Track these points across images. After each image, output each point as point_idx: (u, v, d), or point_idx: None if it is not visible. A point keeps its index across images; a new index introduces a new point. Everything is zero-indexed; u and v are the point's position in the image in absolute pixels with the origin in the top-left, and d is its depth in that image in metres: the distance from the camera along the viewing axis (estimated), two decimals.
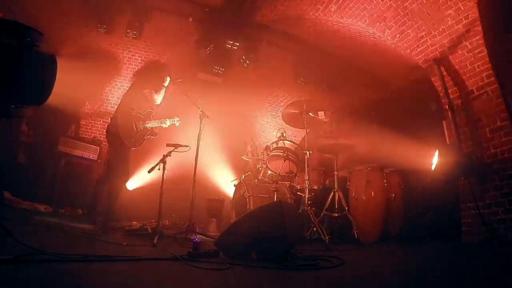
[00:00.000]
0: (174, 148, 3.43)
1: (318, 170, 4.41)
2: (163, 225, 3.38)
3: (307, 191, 3.59)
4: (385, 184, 3.98)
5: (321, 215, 3.65)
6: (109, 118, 4.12)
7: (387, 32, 4.24)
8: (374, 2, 3.99)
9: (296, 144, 4.07)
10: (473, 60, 3.52)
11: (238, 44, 5.08)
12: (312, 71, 6.01)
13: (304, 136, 3.85)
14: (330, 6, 4.37)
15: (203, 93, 5.66)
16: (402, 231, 3.96)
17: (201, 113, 3.65)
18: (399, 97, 5.78)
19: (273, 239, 2.18)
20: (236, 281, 1.75)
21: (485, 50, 3.39)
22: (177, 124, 4.15)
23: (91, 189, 4.69)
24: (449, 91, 3.79)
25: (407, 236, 3.88)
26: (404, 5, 3.79)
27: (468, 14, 3.37)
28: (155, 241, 2.80)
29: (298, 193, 4.28)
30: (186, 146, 3.49)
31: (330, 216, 3.71)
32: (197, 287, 1.57)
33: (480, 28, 3.34)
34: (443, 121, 3.83)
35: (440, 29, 3.70)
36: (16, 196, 4.48)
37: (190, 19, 5.02)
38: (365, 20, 4.31)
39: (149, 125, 3.96)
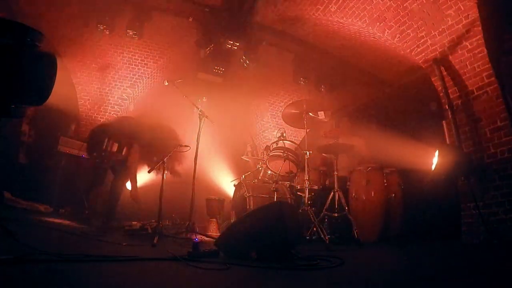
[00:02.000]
0: (174, 148, 3.44)
1: (318, 170, 4.41)
2: (163, 225, 3.38)
3: (307, 191, 3.59)
4: (385, 184, 3.98)
5: (321, 215, 3.64)
6: (104, 123, 4.19)
7: (387, 32, 4.24)
8: (374, 2, 3.99)
9: (296, 144, 4.06)
10: (473, 60, 3.52)
11: (238, 44, 5.08)
12: (312, 71, 6.02)
13: (304, 136, 3.85)
14: (330, 6, 4.37)
15: (203, 93, 5.67)
16: (402, 231, 3.95)
17: (200, 113, 3.66)
18: (399, 97, 5.78)
19: (273, 239, 2.18)
20: (236, 281, 1.75)
21: (485, 50, 3.39)
22: None
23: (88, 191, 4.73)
24: (449, 91, 3.78)
25: (407, 236, 3.87)
26: (404, 5, 3.79)
27: (468, 14, 3.37)
28: (155, 241, 2.81)
29: (298, 193, 4.27)
30: (186, 146, 3.50)
31: (330, 216, 3.71)
32: (197, 287, 1.57)
33: (480, 28, 3.34)
34: (443, 121, 3.83)
35: (440, 29, 3.70)
36: (16, 196, 4.49)
37: (190, 19, 5.03)
38: (365, 20, 4.30)
39: None
